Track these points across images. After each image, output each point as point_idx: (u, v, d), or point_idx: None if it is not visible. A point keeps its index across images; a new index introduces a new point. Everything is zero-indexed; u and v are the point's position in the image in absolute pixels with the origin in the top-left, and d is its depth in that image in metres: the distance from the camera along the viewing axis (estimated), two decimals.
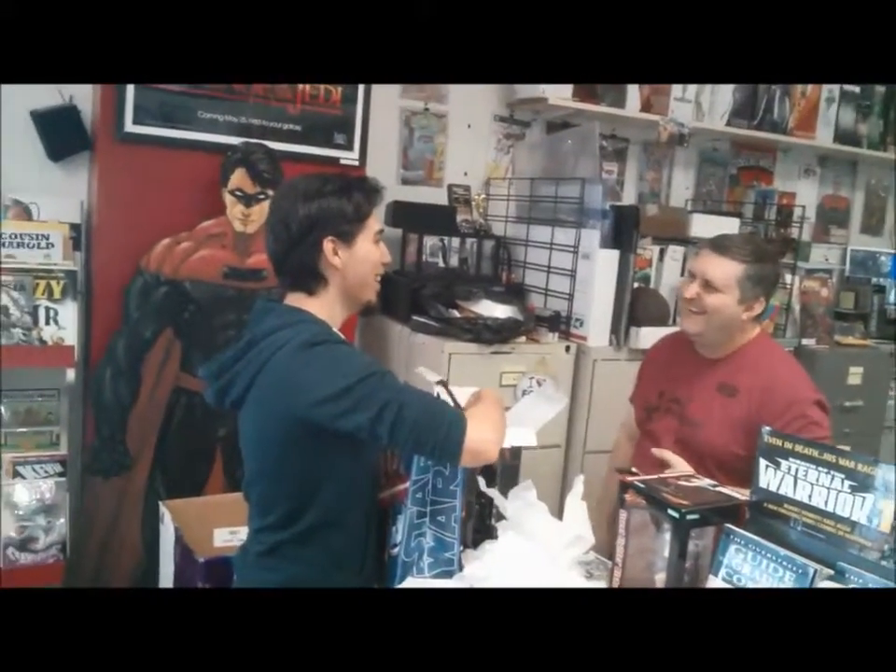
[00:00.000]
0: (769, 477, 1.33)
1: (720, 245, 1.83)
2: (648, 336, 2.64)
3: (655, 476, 1.49)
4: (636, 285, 2.69)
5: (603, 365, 2.63)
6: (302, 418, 1.38)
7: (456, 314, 2.54)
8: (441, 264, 2.82)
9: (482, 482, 1.59)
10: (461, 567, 1.51)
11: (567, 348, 2.62)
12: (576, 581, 1.45)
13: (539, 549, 1.48)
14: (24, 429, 2.20)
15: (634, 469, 1.70)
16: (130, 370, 2.33)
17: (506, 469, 1.67)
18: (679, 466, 1.70)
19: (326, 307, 1.49)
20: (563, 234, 2.70)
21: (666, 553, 1.37)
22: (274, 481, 1.49)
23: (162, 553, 2.02)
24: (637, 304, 2.66)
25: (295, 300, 1.49)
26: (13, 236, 2.13)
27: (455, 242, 2.86)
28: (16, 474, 2.05)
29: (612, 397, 2.60)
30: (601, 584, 1.51)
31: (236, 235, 2.39)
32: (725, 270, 1.79)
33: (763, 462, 1.34)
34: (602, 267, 2.60)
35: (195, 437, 2.39)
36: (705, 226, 2.94)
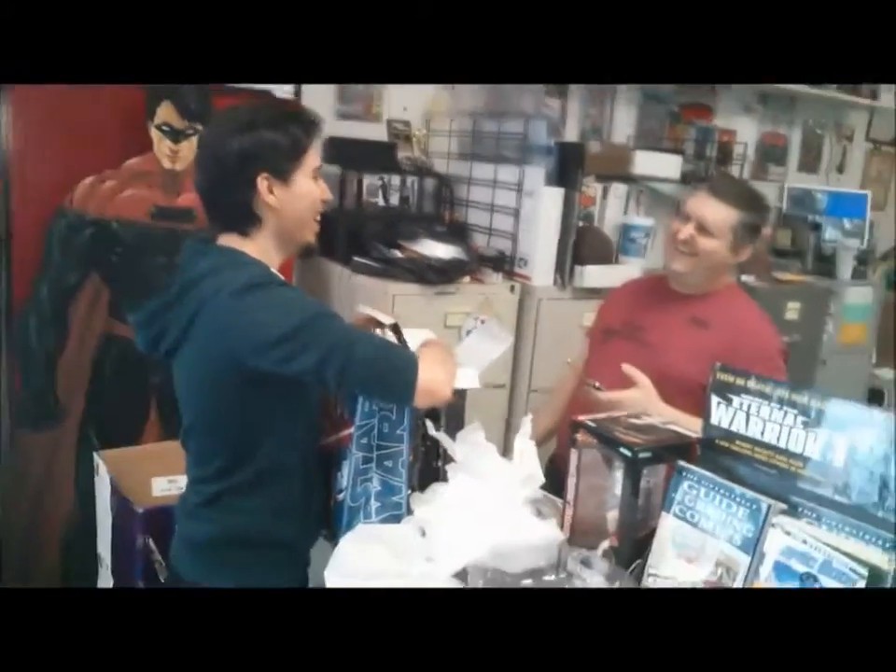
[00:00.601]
0: (721, 413, 1.32)
1: (719, 189, 1.82)
2: (593, 275, 2.62)
3: (605, 415, 1.47)
4: (579, 223, 2.66)
5: (548, 304, 2.61)
6: (243, 364, 1.32)
7: (399, 254, 2.47)
8: (382, 203, 2.74)
9: (430, 425, 1.55)
10: (410, 511, 1.48)
11: (512, 288, 2.58)
12: (527, 519, 1.43)
13: (490, 489, 1.45)
14: None
15: (597, 384, 1.71)
16: (55, 316, 2.21)
17: (451, 411, 1.63)
18: (645, 386, 1.68)
19: (261, 249, 1.40)
20: (506, 172, 2.64)
21: (618, 491, 1.36)
22: (213, 430, 1.43)
23: (99, 505, 1.95)
24: (581, 243, 2.63)
25: (228, 241, 1.40)
26: None
27: (396, 180, 2.77)
28: None
29: (557, 336, 2.60)
30: (552, 522, 1.50)
31: (164, 173, 2.27)
32: (722, 215, 1.78)
33: (714, 398, 1.33)
34: (547, 205, 2.55)
35: (128, 385, 2.29)
36: (647, 163, 2.91)
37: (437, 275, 2.42)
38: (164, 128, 2.23)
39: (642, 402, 1.63)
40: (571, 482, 1.43)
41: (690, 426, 1.52)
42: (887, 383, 3.98)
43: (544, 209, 2.55)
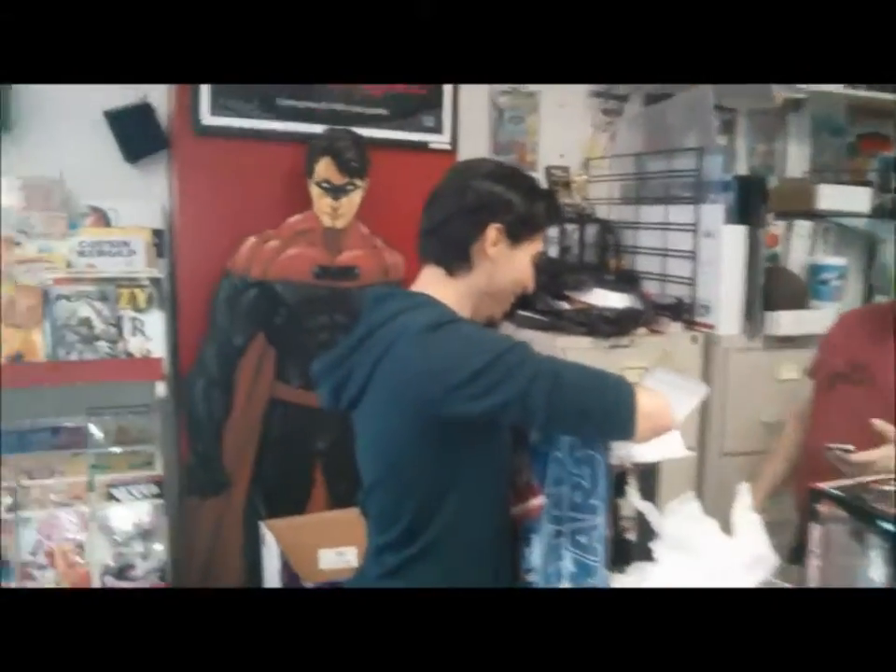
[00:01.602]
0: None
1: None
2: (786, 321, 2.35)
3: (852, 481, 1.22)
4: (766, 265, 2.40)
5: (737, 356, 2.35)
6: (433, 409, 1.21)
7: (567, 305, 2.30)
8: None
9: (633, 493, 1.36)
10: None
11: (694, 338, 2.35)
12: None
13: (711, 573, 1.23)
14: (117, 449, 2.06)
15: (848, 447, 1.52)
16: (222, 380, 2.17)
17: (643, 480, 1.43)
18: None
19: (458, 296, 1.34)
20: (679, 212, 2.44)
21: (874, 576, 1.12)
22: (398, 488, 1.31)
23: (267, 576, 1.85)
24: (769, 286, 2.37)
25: (427, 279, 1.35)
26: (93, 244, 1.99)
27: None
28: (110, 497, 1.91)
29: (749, 391, 2.34)
30: None
31: (325, 231, 2.22)
32: None
33: None
34: (729, 245, 2.32)
35: (294, 450, 2.20)
36: (833, 197, 2.63)
37: (609, 326, 2.23)
38: (324, 185, 2.18)
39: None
40: (814, 563, 1.19)
41: None
42: None
43: (727, 249, 2.32)
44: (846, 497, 1.15)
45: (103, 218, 2.18)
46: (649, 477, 1.44)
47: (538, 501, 1.35)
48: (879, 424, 1.54)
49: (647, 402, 1.22)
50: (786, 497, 1.99)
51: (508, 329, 2.41)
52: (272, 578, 1.79)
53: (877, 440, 1.52)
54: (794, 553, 1.49)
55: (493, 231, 1.32)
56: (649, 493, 1.44)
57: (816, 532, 1.18)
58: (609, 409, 1.22)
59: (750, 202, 2.35)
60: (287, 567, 1.69)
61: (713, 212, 2.34)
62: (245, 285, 2.17)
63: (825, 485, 1.19)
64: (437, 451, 1.26)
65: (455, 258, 1.34)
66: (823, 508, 1.17)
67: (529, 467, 1.39)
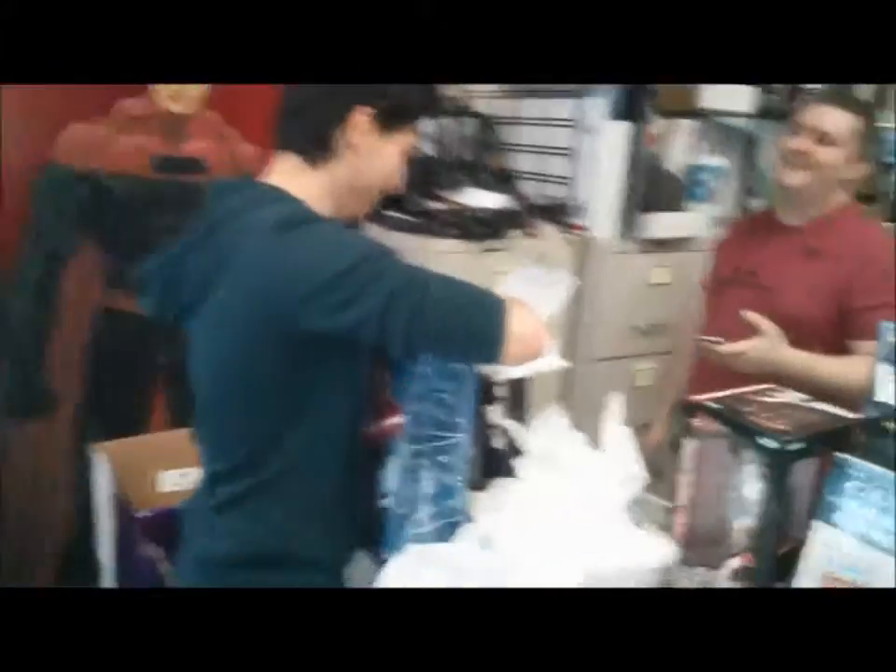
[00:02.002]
0: (893, 387, 0.99)
1: (836, 97, 1.76)
2: (661, 223, 2.27)
3: (729, 393, 1.14)
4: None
5: (611, 259, 2.26)
6: (282, 322, 1.04)
7: (439, 206, 2.14)
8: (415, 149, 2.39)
9: (493, 410, 1.24)
10: (469, 518, 1.18)
11: (570, 241, 2.24)
12: (629, 532, 1.11)
13: (578, 491, 1.14)
14: None
15: (714, 339, 1.53)
16: (44, 287, 1.90)
17: (511, 394, 1.32)
18: (770, 331, 1.52)
19: (316, 190, 1.15)
20: (559, 107, 2.29)
21: (749, 493, 1.04)
22: (237, 410, 1.14)
23: (98, 507, 1.66)
24: (646, 187, 2.27)
25: (282, 170, 1.16)
26: None
27: (429, 123, 2.39)
28: None
29: (622, 295, 2.26)
30: (654, 533, 1.18)
31: (166, 117, 1.94)
32: (844, 122, 1.67)
33: (883, 368, 1.00)
34: (609, 142, 2.20)
35: (131, 366, 1.98)
36: (717, 96, 2.53)
37: (484, 228, 2.08)
38: None
39: (769, 350, 1.51)
40: (685, 481, 1.11)
41: (832, 370, 1.52)
42: None
43: (607, 146, 2.20)
44: (723, 409, 1.06)
45: None
46: (518, 389, 1.33)
47: (396, 420, 1.22)
48: (751, 315, 1.53)
49: (520, 324, 1.09)
50: None
51: (373, 230, 2.23)
52: (102, 505, 1.61)
53: (752, 333, 1.52)
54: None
55: (360, 117, 1.13)
56: (518, 405, 1.34)
57: (690, 447, 1.09)
58: (478, 332, 1.08)
59: (634, 96, 2.21)
60: (117, 491, 1.52)
61: (595, 106, 2.20)
62: (69, 178, 1.88)
63: (701, 398, 1.10)
64: (285, 370, 1.10)
65: (315, 144, 1.15)
66: (700, 422, 1.08)
67: (389, 382, 1.25)
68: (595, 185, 2.24)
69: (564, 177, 2.30)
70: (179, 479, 1.74)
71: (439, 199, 2.16)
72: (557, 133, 2.31)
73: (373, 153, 1.16)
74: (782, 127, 2.04)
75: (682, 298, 2.25)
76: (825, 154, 1.66)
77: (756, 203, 2.72)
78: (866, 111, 1.71)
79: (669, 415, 2.03)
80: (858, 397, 1.57)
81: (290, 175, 1.15)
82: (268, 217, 1.07)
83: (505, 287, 1.26)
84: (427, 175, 2.21)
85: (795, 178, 1.69)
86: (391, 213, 2.15)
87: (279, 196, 1.12)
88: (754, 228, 1.88)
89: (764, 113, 2.57)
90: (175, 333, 1.23)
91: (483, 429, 1.29)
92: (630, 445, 1.15)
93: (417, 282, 1.06)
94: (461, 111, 2.46)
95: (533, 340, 1.11)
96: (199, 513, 1.21)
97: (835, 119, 1.67)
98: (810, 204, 1.72)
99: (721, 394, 1.11)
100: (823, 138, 1.67)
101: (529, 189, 2.39)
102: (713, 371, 1.67)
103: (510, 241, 2.14)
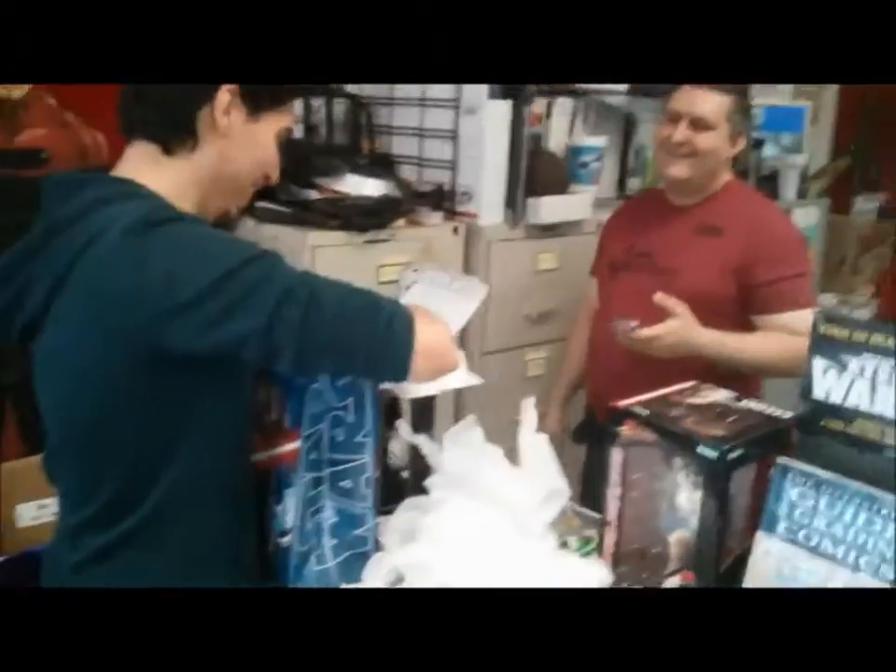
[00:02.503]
0: (829, 383, 0.93)
1: None
2: (547, 208, 2.19)
3: (654, 395, 1.05)
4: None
5: (498, 246, 2.17)
6: (145, 340, 0.89)
7: (315, 194, 1.98)
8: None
9: (403, 426, 1.12)
10: (377, 547, 1.07)
11: (455, 229, 2.12)
12: (557, 558, 1.02)
13: (498, 513, 1.03)
14: None
15: (633, 324, 1.48)
16: None
17: (419, 406, 1.21)
18: (682, 313, 1.48)
19: (178, 183, 0.98)
20: (438, 86, 2.16)
21: (683, 503, 0.97)
22: (98, 446, 0.97)
23: None
24: (531, 170, 2.18)
25: (135, 161, 0.99)
26: None
27: (298, 106, 2.22)
28: None
29: (510, 284, 2.18)
30: (584, 555, 1.09)
31: None
32: (716, 103, 1.62)
33: (819, 362, 0.94)
34: (492, 123, 2.10)
35: None
36: None
37: (366, 218, 1.94)
38: None
39: (682, 332, 1.48)
40: (614, 493, 1.02)
41: (743, 346, 1.52)
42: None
43: (490, 127, 2.09)
44: (652, 415, 0.97)
45: None
46: (424, 405, 1.21)
47: (291, 446, 1.07)
48: (661, 298, 1.48)
49: (428, 336, 0.96)
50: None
51: (247, 225, 2.05)
52: None
53: (663, 316, 1.48)
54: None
55: (225, 95, 0.97)
56: (425, 421, 1.22)
57: (617, 457, 1.00)
58: (382, 346, 0.95)
59: None
60: None
61: (475, 86, 2.08)
62: None
63: (627, 403, 1.01)
64: (152, 395, 0.93)
65: (174, 129, 0.98)
66: (628, 430, 0.99)
67: (279, 402, 1.10)
68: (478, 168, 2.13)
69: (445, 161, 2.18)
70: (38, 511, 1.55)
71: (315, 187, 2.00)
72: (437, 113, 2.18)
73: (243, 138, 1.00)
74: (658, 104, 1.99)
75: (571, 283, 2.20)
76: (704, 140, 1.62)
77: (635, 183, 2.70)
78: (736, 88, 1.68)
79: (564, 404, 1.98)
80: (772, 373, 1.61)
81: (146, 167, 0.98)
82: (120, 216, 0.90)
83: (410, 293, 1.14)
84: (300, 160, 2.03)
85: (680, 170, 1.65)
86: (264, 203, 1.97)
87: (133, 191, 0.95)
88: (642, 209, 1.84)
89: (641, 89, 2.54)
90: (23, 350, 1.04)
91: (386, 455, 1.17)
92: (550, 457, 1.05)
93: (307, 289, 0.92)
94: (332, 92, 2.29)
95: (442, 353, 0.99)
96: (61, 569, 1.02)
97: (706, 101, 1.62)
98: (698, 189, 1.70)
99: (646, 397, 1.03)
100: (699, 123, 1.62)
101: (410, 174, 2.26)
102: (609, 357, 1.63)
103: (393, 231, 2.01)
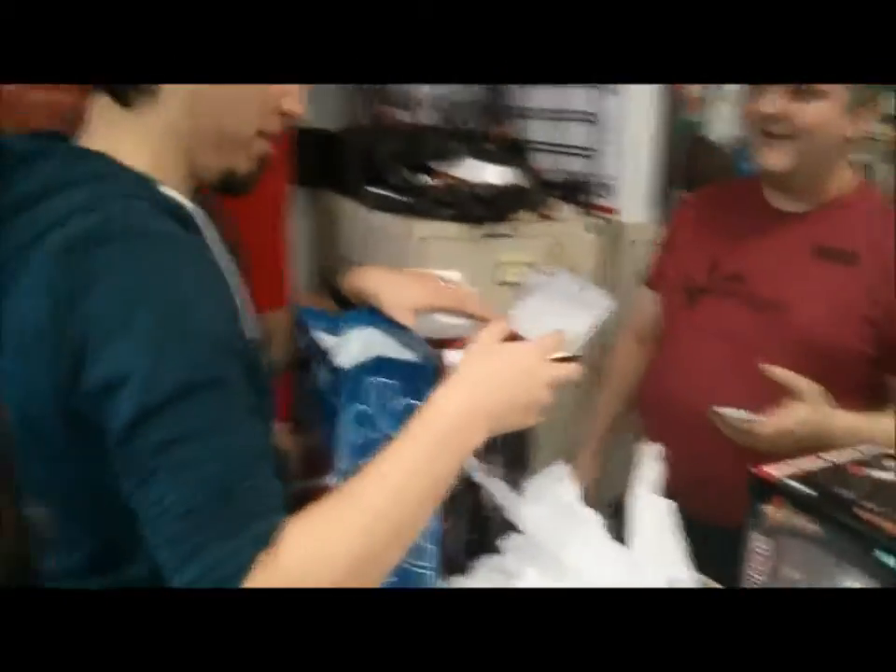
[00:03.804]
0: None
1: None
2: None
3: (822, 461, 0.75)
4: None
5: (643, 250, 1.89)
6: (63, 399, 0.68)
7: (430, 180, 1.79)
8: (406, 115, 2.08)
9: (476, 465, 0.89)
10: None
11: (590, 226, 1.89)
12: None
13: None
14: None
15: (749, 415, 1.09)
16: None
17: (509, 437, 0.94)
18: (811, 394, 1.08)
19: (140, 143, 0.77)
20: None
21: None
22: (64, 500, 0.77)
23: None
24: (687, 161, 1.94)
25: (98, 120, 0.78)
26: None
27: (425, 85, 2.07)
28: None
29: None
30: None
31: None
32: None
33: None
34: (639, 105, 1.86)
35: None
36: None
37: (485, 208, 1.73)
38: None
39: (816, 422, 1.07)
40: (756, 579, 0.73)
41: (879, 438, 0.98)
42: None
43: (637, 110, 1.86)
44: (818, 497, 0.67)
45: None
46: (519, 434, 0.96)
47: (327, 479, 0.86)
48: (778, 373, 1.10)
49: (299, 549, 0.66)
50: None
51: (356, 211, 1.89)
52: None
53: (775, 389, 1.09)
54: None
55: None
56: (517, 459, 0.97)
57: (763, 545, 0.71)
58: (209, 556, 0.65)
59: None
60: None
61: None
62: None
63: (777, 471, 0.71)
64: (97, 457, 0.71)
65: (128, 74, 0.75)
66: (775, 509, 0.69)
67: (318, 426, 0.89)
68: (622, 158, 1.90)
69: (585, 148, 1.97)
70: None
71: (431, 173, 1.81)
72: (576, 94, 1.98)
73: (213, 88, 0.76)
74: None
75: None
76: (807, 111, 1.17)
77: None
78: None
79: (601, 451, 1.53)
80: None
81: (107, 126, 0.78)
82: (73, 217, 0.69)
83: (529, 300, 0.91)
84: (417, 144, 1.85)
85: (777, 157, 1.21)
86: (373, 189, 1.80)
87: (109, 170, 0.74)
88: (729, 208, 1.37)
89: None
90: None
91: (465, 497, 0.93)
92: (671, 533, 0.78)
93: (192, 451, 0.64)
94: None
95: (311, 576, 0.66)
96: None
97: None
98: (809, 189, 1.27)
99: (810, 464, 0.72)
100: (800, 90, 1.17)
101: (543, 162, 2.05)
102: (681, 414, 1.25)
103: (517, 225, 1.79)
